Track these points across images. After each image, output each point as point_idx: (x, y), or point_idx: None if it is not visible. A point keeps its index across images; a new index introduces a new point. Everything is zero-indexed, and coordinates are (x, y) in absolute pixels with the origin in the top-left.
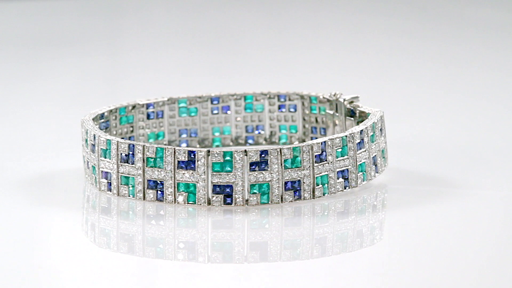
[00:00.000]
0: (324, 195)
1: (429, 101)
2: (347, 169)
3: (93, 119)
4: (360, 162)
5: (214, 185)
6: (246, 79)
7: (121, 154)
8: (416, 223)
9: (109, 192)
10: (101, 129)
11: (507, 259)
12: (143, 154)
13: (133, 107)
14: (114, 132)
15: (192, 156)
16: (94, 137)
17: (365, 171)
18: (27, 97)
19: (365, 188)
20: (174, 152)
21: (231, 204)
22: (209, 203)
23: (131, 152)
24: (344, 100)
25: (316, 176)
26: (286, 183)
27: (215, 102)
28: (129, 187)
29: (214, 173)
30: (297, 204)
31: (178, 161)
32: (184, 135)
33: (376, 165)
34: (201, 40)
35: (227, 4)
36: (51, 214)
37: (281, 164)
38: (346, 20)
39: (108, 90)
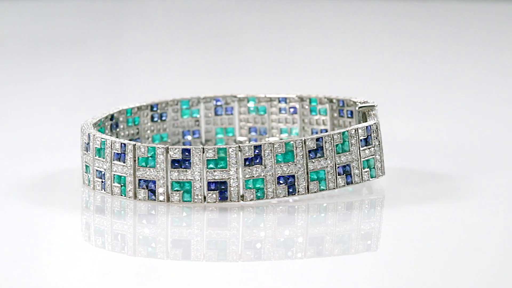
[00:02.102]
0: (259, 199)
1: (429, 101)
2: (293, 176)
3: (138, 109)
4: (315, 170)
5: (139, 180)
6: (246, 80)
7: (85, 143)
8: (414, 224)
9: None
10: (153, 120)
11: (509, 260)
12: (93, 143)
13: (198, 101)
14: (176, 125)
15: (124, 149)
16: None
17: (324, 179)
18: (27, 98)
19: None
20: (111, 144)
21: (155, 199)
22: (135, 197)
23: (90, 142)
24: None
25: (246, 179)
26: (209, 183)
27: (282, 102)
28: (88, 175)
29: (139, 167)
30: (222, 204)
31: (114, 153)
32: (253, 133)
33: (350, 175)
34: (202, 41)
35: (227, 5)
36: (50, 214)
37: (204, 164)
38: (347, 20)
39: (108, 91)
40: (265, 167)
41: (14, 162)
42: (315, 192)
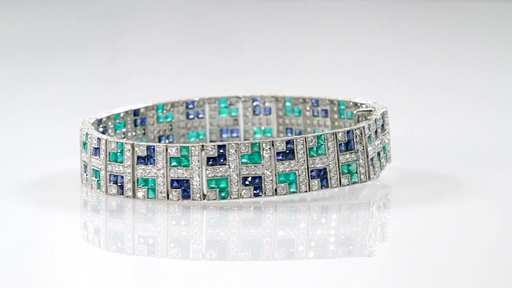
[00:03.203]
0: (222, 199)
1: (434, 100)
2: (260, 177)
3: (171, 105)
4: (284, 172)
5: (110, 174)
6: (246, 81)
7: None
8: (417, 223)
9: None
10: (188, 118)
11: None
12: (81, 137)
13: (237, 100)
14: (214, 123)
15: (99, 143)
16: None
17: (295, 182)
18: (28, 100)
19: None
20: (91, 138)
21: (122, 195)
22: (107, 192)
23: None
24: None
25: (209, 178)
26: (172, 181)
27: (315, 104)
28: (81, 169)
29: (110, 162)
30: (185, 203)
31: (93, 147)
32: (289, 134)
33: (326, 179)
34: (202, 42)
35: (227, 7)
36: (50, 214)
37: (167, 162)
38: (351, 21)
39: (109, 93)
40: (229, 167)
41: (16, 163)
42: (284, 194)
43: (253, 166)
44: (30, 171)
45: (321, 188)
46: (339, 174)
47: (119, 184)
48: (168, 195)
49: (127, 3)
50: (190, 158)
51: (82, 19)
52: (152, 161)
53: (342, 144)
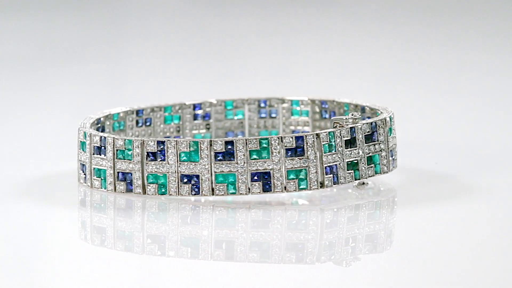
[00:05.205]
0: (162, 194)
1: (439, 101)
2: (197, 175)
3: (242, 102)
4: (221, 172)
5: (80, 163)
6: (247, 84)
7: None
8: (416, 225)
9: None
10: (260, 117)
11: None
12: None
13: (307, 102)
14: (288, 124)
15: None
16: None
17: (233, 183)
18: (28, 103)
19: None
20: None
21: (84, 184)
22: (79, 180)
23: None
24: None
25: (149, 173)
26: (119, 173)
27: (362, 111)
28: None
29: (79, 151)
30: (130, 196)
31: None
32: None
33: (268, 183)
34: (202, 45)
35: (227, 10)
36: (49, 213)
37: (114, 154)
38: (356, 22)
39: (109, 96)
40: (168, 163)
41: (14, 164)
42: (222, 195)
43: (191, 164)
44: (30, 171)
45: (263, 192)
46: (284, 178)
47: (84, 173)
48: (115, 187)
49: (126, 10)
50: (132, 151)
51: (83, 21)
52: (104, 152)
53: (291, 149)
